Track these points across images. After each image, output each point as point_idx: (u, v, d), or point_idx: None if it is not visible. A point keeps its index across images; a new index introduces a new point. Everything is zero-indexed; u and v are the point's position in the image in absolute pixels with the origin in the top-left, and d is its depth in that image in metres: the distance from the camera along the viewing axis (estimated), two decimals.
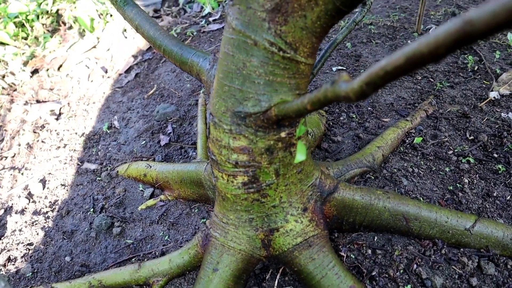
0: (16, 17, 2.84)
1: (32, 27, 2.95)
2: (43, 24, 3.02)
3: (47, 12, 3.03)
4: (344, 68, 1.80)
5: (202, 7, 2.79)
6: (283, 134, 0.92)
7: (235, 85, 0.88)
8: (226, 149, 0.94)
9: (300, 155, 0.85)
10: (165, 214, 1.34)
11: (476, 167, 1.33)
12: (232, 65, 0.88)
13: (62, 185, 1.63)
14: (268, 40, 0.82)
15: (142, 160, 1.60)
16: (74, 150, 1.81)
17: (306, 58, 0.86)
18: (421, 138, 1.43)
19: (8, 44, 2.77)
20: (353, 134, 1.48)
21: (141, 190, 1.46)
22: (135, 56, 2.48)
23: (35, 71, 2.67)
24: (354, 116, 1.55)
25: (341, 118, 1.55)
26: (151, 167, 1.42)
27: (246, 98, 0.88)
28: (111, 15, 2.83)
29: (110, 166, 1.64)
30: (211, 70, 1.04)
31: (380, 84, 0.56)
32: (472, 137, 1.43)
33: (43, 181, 1.68)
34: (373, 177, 1.31)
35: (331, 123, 1.53)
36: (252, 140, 0.91)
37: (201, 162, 1.28)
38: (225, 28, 0.90)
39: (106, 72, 2.47)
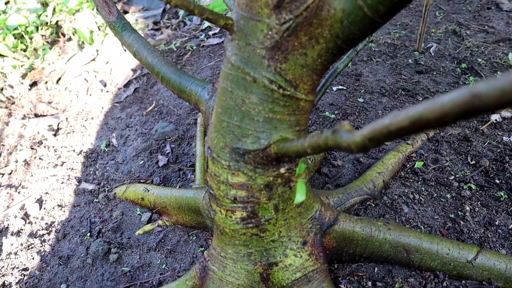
0: (15, 29, 2.83)
1: (31, 38, 2.94)
2: (42, 36, 3.01)
3: (47, 23, 3.02)
4: (345, 88, 1.79)
5: (202, 20, 2.77)
6: (282, 170, 0.91)
7: (234, 121, 0.86)
8: (224, 185, 0.93)
9: (300, 195, 0.84)
10: (162, 240, 1.32)
11: (477, 193, 1.32)
12: (230, 101, 0.86)
13: (59, 205, 1.61)
14: (267, 78, 0.80)
15: (140, 181, 1.58)
16: (72, 168, 1.79)
17: (306, 95, 0.84)
18: (422, 163, 1.42)
19: (7, 56, 2.75)
20: (353, 158, 1.46)
21: (139, 214, 1.44)
22: (134, 70, 2.47)
23: (33, 84, 2.66)
24: None
25: None
26: (148, 191, 1.40)
27: (245, 135, 0.86)
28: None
29: (107, 187, 1.62)
30: (210, 100, 1.02)
31: (383, 140, 0.54)
32: (473, 162, 1.41)
33: (40, 201, 1.66)
34: (373, 205, 1.29)
35: None
36: (251, 176, 0.89)
37: (199, 189, 1.27)
38: (223, 62, 0.88)
39: (105, 85, 2.46)
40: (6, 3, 3.05)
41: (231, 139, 0.88)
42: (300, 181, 0.86)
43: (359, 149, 0.58)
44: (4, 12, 2.92)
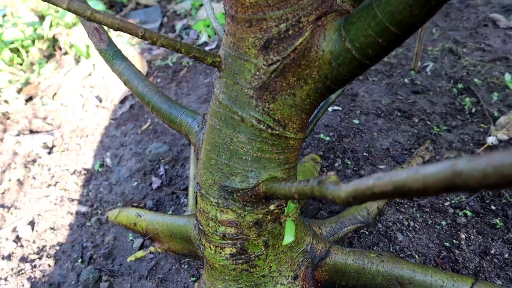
0: (11, 43, 2.82)
1: (27, 52, 2.93)
2: (39, 49, 3.00)
3: (43, 37, 3.01)
4: (340, 108, 1.77)
5: (198, 35, 2.77)
6: (272, 207, 0.90)
7: (222, 160, 0.85)
8: (213, 221, 0.91)
9: (289, 236, 0.82)
10: (154, 268, 1.30)
11: (473, 220, 1.30)
12: (219, 139, 0.85)
13: (51, 228, 1.59)
14: (255, 118, 0.79)
15: (133, 205, 1.57)
16: (65, 189, 1.77)
17: (295, 133, 0.83)
18: None
19: (2, 71, 2.74)
20: (348, 183, 1.45)
21: (131, 240, 1.42)
22: None
23: (29, 99, 2.64)
24: (349, 162, 1.52)
25: (336, 164, 1.52)
26: (141, 216, 1.39)
27: (234, 173, 0.85)
28: None
29: (100, 210, 1.61)
30: (200, 133, 1.01)
31: (367, 200, 0.53)
32: None
33: (32, 223, 1.64)
34: (367, 233, 1.28)
35: (325, 170, 1.49)
36: (240, 214, 0.88)
37: (191, 217, 1.25)
38: (212, 98, 0.87)
39: (100, 101, 2.45)
40: (3, 16, 3.04)
41: (220, 177, 0.87)
42: (289, 221, 0.85)
43: (344, 203, 0.56)
44: (1, 25, 2.91)
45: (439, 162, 0.42)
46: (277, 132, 0.80)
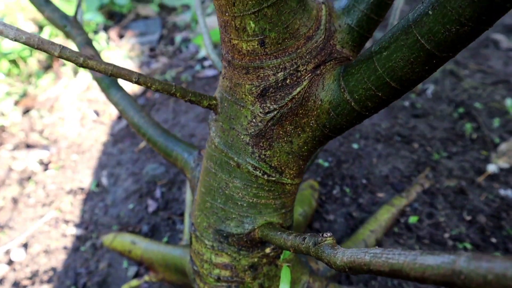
0: (9, 53, 2.81)
1: (25, 62, 2.92)
2: (37, 60, 2.99)
3: None
4: None
5: (197, 49, 2.75)
6: (268, 250, 0.88)
7: (217, 203, 0.83)
8: (208, 264, 0.89)
9: (284, 284, 0.80)
10: None
11: None
12: (214, 182, 0.83)
13: (44, 251, 1.57)
14: (252, 164, 0.77)
15: (128, 229, 1.55)
16: (60, 210, 1.75)
17: (292, 179, 0.81)
18: (417, 217, 1.38)
19: (0, 82, 2.73)
20: (346, 212, 1.43)
21: (126, 268, 1.40)
22: None
23: (26, 111, 2.62)
24: (347, 190, 1.50)
25: (334, 192, 1.50)
26: (136, 244, 1.36)
27: (229, 218, 0.83)
28: (107, 57, 2.79)
29: (95, 233, 1.59)
30: (196, 170, 0.99)
31: (363, 273, 0.51)
32: (469, 218, 1.38)
33: (26, 245, 1.62)
34: None
35: (323, 198, 1.47)
36: (235, 258, 0.86)
37: (186, 248, 1.23)
38: (208, 140, 0.85)
39: (98, 115, 2.43)
40: None
41: (215, 221, 0.85)
42: (285, 268, 0.83)
43: (339, 270, 0.55)
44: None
45: (439, 254, 0.40)
46: (273, 178, 0.78)
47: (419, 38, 0.56)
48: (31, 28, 3.11)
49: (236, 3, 0.63)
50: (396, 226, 1.37)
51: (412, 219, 1.37)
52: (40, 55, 2.98)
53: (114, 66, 0.70)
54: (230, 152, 0.78)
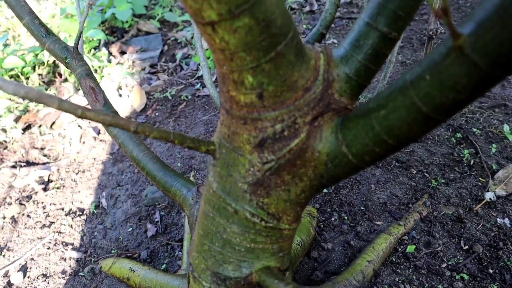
0: (11, 69, 2.82)
1: (27, 78, 2.93)
2: (39, 75, 3.00)
3: (44, 63, 3.01)
4: None
5: (198, 66, 2.77)
6: None
7: (215, 247, 0.84)
8: None
9: None
10: None
11: (470, 284, 1.28)
12: (212, 226, 0.83)
13: (43, 275, 1.57)
14: (249, 211, 0.78)
15: (127, 254, 1.55)
16: (59, 232, 1.76)
17: (290, 224, 0.82)
18: (414, 246, 1.39)
19: (1, 98, 2.74)
20: (344, 240, 1.43)
21: None
22: (128, 118, 2.44)
23: (27, 127, 2.64)
24: (346, 217, 1.50)
25: (333, 219, 1.50)
26: (134, 271, 1.37)
27: (226, 261, 0.83)
28: (109, 74, 2.80)
29: (94, 256, 1.59)
30: (194, 207, 1.00)
31: None
32: (466, 247, 1.38)
33: (25, 268, 1.62)
34: None
35: (321, 225, 1.48)
36: None
37: (184, 277, 1.23)
38: (205, 184, 0.86)
39: (98, 133, 2.44)
40: (5, 45, 3.04)
41: (213, 263, 0.85)
42: None
43: None
44: (2, 51, 2.91)
45: None
46: (271, 225, 0.79)
47: (416, 101, 0.57)
48: (34, 43, 3.12)
49: (234, 58, 0.64)
50: (393, 255, 1.38)
51: (410, 248, 1.38)
52: (43, 70, 3.00)
53: (112, 116, 0.71)
54: (228, 198, 0.79)
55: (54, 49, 1.19)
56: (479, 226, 1.44)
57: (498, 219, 1.45)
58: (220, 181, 0.80)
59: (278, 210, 0.78)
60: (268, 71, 0.65)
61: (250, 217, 0.78)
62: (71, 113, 0.69)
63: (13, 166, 2.31)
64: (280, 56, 0.65)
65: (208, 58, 2.67)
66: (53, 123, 2.63)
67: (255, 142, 0.72)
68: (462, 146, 1.75)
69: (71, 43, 2.87)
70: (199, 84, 2.54)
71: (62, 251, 1.66)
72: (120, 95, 2.65)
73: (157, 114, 2.39)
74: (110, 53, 3.05)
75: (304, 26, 3.06)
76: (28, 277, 1.59)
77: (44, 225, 1.83)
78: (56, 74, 3.02)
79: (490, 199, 1.52)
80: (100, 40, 2.94)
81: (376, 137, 0.63)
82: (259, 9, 0.58)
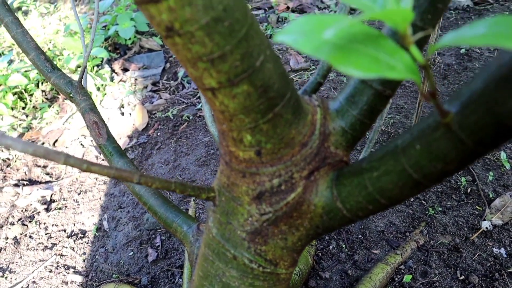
0: (15, 87, 2.86)
1: (31, 95, 2.97)
2: (42, 91, 3.04)
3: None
4: None
5: None
6: None
7: None
8: None
9: None
10: None
11: None
12: (211, 269, 0.86)
13: None
14: (247, 258, 0.80)
15: (128, 278, 1.57)
16: (61, 254, 1.78)
17: (286, 269, 0.84)
18: (411, 276, 1.41)
19: (5, 115, 2.77)
20: (342, 269, 1.45)
21: None
22: (130, 137, 2.48)
23: None
24: (343, 245, 1.53)
25: (331, 247, 1.53)
26: None
27: None
28: (111, 92, 2.84)
29: (96, 280, 1.61)
30: (195, 245, 1.02)
31: None
32: (462, 277, 1.40)
33: None
34: None
35: (320, 254, 1.50)
36: None
37: None
38: (206, 228, 0.88)
39: (100, 153, 2.47)
40: (9, 62, 3.08)
41: None
42: None
43: None
44: (7, 69, 2.95)
45: None
46: (268, 270, 0.81)
47: (407, 168, 0.59)
48: None
49: (233, 119, 0.67)
50: (390, 284, 1.40)
51: (406, 278, 1.40)
52: (46, 87, 3.03)
53: (116, 169, 0.73)
54: (227, 244, 0.81)
55: (59, 84, 1.22)
56: (475, 256, 1.46)
57: (494, 249, 1.47)
58: (219, 227, 0.82)
59: (275, 257, 0.81)
60: (266, 130, 0.68)
61: (248, 263, 0.80)
62: (77, 167, 0.72)
63: (16, 185, 2.34)
64: (277, 116, 0.67)
65: None
66: (56, 140, 2.67)
67: (253, 195, 0.75)
68: (459, 173, 1.77)
69: (74, 61, 2.90)
70: (200, 104, 2.57)
71: (64, 275, 1.68)
72: (123, 114, 2.69)
73: (158, 134, 2.42)
74: (112, 70, 3.09)
75: None
76: None
77: (46, 247, 1.85)
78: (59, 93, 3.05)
79: (486, 228, 1.54)
80: (103, 57, 2.97)
81: (369, 196, 0.66)
82: (257, 77, 0.61)
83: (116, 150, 1.18)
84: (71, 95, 1.23)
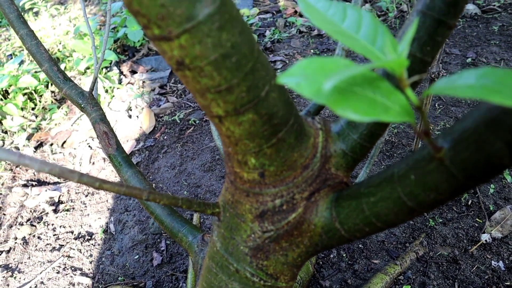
0: (25, 88, 2.91)
1: (41, 96, 3.02)
2: (52, 92, 3.09)
3: None
4: None
5: None
6: None
7: None
8: None
9: None
10: None
11: None
12: (215, 281, 0.90)
13: None
14: (249, 272, 0.84)
15: (133, 281, 1.61)
16: (68, 256, 1.83)
17: (287, 283, 0.87)
18: (409, 287, 1.44)
19: (15, 116, 2.82)
20: (342, 278, 1.49)
21: None
22: (137, 140, 2.52)
23: (39, 145, 2.72)
24: (344, 255, 1.56)
25: (332, 256, 1.56)
26: None
27: None
28: (119, 95, 2.88)
29: (102, 283, 1.66)
30: (199, 255, 1.06)
31: None
32: None
33: None
34: None
35: (320, 262, 1.54)
36: None
37: None
38: (210, 241, 0.92)
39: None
40: (20, 63, 3.13)
41: None
42: None
43: None
44: (17, 70, 3.00)
45: None
46: (269, 284, 0.85)
47: (402, 196, 0.63)
48: None
49: (239, 144, 0.70)
50: None
51: None
52: (55, 88, 3.08)
53: (127, 186, 0.77)
54: (230, 258, 0.85)
55: (71, 95, 1.26)
56: (474, 268, 1.48)
57: (492, 262, 1.50)
58: (223, 241, 0.86)
59: (276, 271, 0.84)
60: (270, 154, 0.71)
61: (250, 277, 0.84)
62: (90, 185, 0.76)
63: (25, 185, 2.39)
64: (281, 141, 0.71)
65: None
66: (64, 141, 2.71)
67: (256, 213, 0.78)
68: None
69: (84, 63, 2.95)
70: None
71: (71, 276, 1.73)
72: (130, 116, 2.73)
73: (165, 137, 2.46)
74: (121, 72, 3.14)
75: (312, 50, 3.13)
76: None
77: (54, 248, 1.90)
78: None
79: (485, 240, 1.57)
80: (111, 60, 3.02)
81: (366, 219, 0.69)
82: (262, 106, 0.64)
83: (125, 160, 1.22)
84: (82, 106, 1.26)
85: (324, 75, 0.48)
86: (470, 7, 3.16)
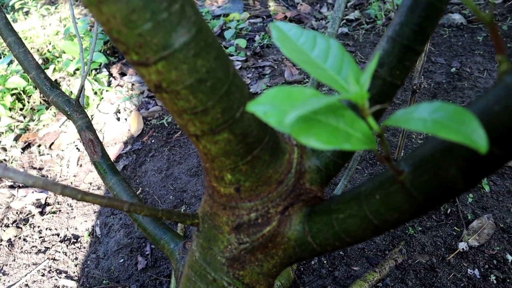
0: (14, 88, 2.91)
1: (29, 96, 3.02)
2: (40, 93, 3.09)
3: None
4: None
5: None
6: None
7: None
8: None
9: None
10: None
11: None
12: None
13: None
14: (226, 281, 0.87)
15: (118, 285, 1.63)
16: (54, 259, 1.84)
17: None
18: None
19: (3, 116, 2.82)
20: (322, 285, 1.52)
21: None
22: (125, 143, 2.54)
23: (27, 146, 2.72)
24: (325, 261, 1.59)
25: (312, 262, 1.59)
26: None
27: None
28: (107, 97, 2.89)
29: (86, 286, 1.68)
30: (180, 262, 1.09)
31: None
32: None
33: None
34: None
35: (301, 268, 1.57)
36: None
37: None
38: (190, 250, 0.95)
39: None
40: (9, 63, 3.13)
41: None
42: None
43: None
44: (6, 70, 3.00)
45: None
46: None
47: (368, 214, 0.66)
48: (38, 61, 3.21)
49: (215, 161, 0.73)
50: None
51: None
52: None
53: (108, 198, 0.80)
54: (208, 268, 0.88)
55: (58, 102, 1.28)
56: (450, 276, 1.53)
57: (468, 270, 1.54)
58: (201, 251, 0.89)
59: (252, 281, 0.87)
60: (245, 171, 0.74)
61: (227, 286, 0.87)
62: (73, 198, 0.79)
63: (11, 186, 2.39)
64: (256, 158, 0.74)
65: None
66: (52, 143, 2.72)
67: (233, 225, 0.81)
68: None
69: (73, 65, 2.96)
70: None
71: (56, 279, 1.74)
72: (119, 119, 2.74)
73: (153, 141, 2.48)
74: (110, 74, 3.15)
75: None
76: None
77: (39, 251, 1.91)
78: None
79: (463, 249, 1.61)
80: (101, 62, 3.03)
81: (336, 234, 0.72)
82: (236, 126, 0.67)
83: (110, 168, 1.24)
84: (68, 113, 1.29)
85: (291, 105, 0.51)
86: (456, 17, 3.22)
